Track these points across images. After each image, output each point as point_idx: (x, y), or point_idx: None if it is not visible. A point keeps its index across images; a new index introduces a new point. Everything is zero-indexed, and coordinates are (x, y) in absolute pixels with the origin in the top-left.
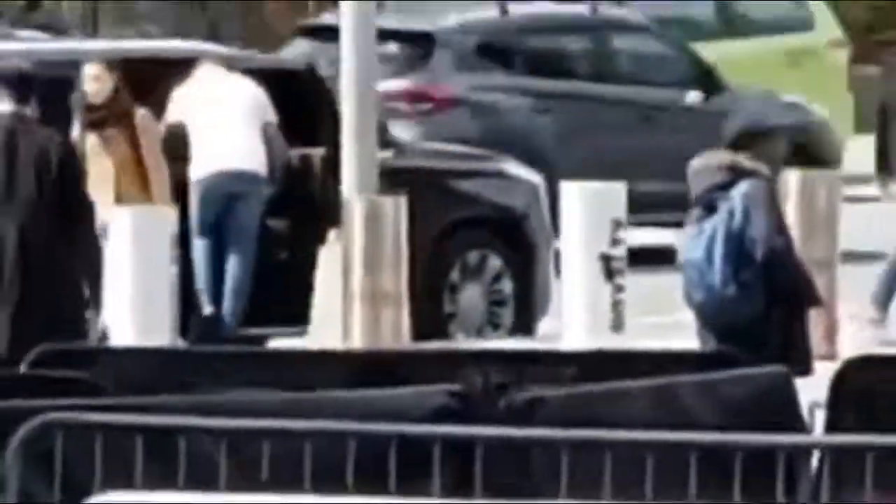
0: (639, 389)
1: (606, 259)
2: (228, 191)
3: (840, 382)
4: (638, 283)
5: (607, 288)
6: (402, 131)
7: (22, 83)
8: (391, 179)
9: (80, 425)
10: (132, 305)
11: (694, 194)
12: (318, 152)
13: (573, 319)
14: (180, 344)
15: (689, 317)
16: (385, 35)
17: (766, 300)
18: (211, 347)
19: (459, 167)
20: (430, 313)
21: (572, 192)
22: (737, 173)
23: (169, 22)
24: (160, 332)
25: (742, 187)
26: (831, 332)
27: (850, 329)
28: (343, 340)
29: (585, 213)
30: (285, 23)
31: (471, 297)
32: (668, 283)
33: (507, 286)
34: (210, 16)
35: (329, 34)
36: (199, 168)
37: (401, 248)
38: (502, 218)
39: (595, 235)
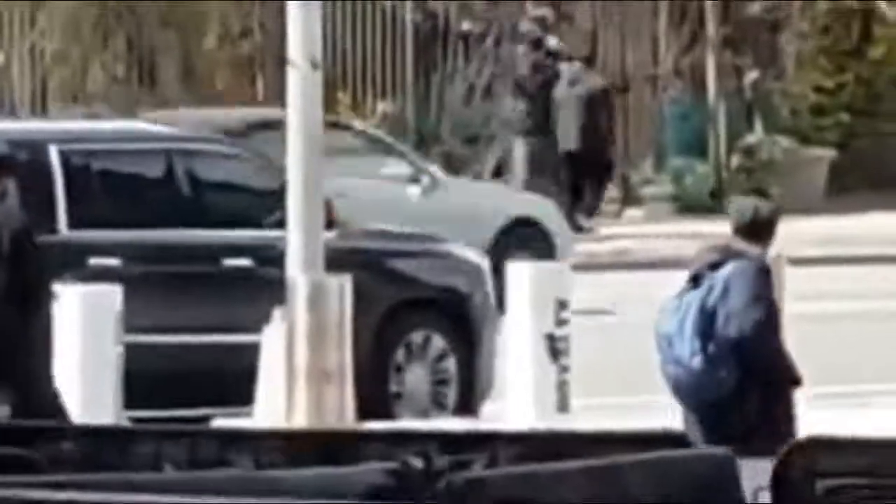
0: (580, 470)
1: (551, 339)
2: None
3: (784, 465)
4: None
5: (552, 368)
6: None
7: None
8: (336, 259)
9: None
10: (78, 382)
11: (689, 274)
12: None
13: (517, 400)
14: (124, 422)
15: (635, 399)
16: None
17: (740, 378)
18: (153, 427)
19: (404, 248)
20: (374, 393)
21: (517, 272)
22: (727, 254)
23: (120, 101)
24: (105, 410)
25: (728, 267)
26: None
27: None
28: (287, 419)
29: (530, 293)
30: (236, 98)
31: (415, 377)
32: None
33: (451, 366)
34: (160, 93)
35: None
36: None
37: (345, 327)
38: (446, 299)
39: (540, 315)
